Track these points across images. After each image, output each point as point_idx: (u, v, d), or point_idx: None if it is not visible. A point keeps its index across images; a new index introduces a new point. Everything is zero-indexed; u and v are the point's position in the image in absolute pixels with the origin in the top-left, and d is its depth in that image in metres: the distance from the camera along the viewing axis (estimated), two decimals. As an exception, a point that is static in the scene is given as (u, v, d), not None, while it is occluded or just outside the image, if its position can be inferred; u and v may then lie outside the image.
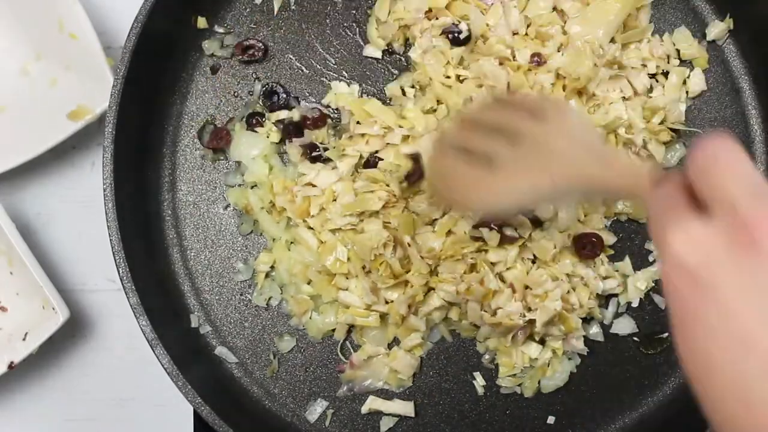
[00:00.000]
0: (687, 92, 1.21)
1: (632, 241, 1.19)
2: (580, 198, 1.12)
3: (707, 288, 0.64)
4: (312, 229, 1.17)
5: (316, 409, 1.18)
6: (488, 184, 0.92)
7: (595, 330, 1.18)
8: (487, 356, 1.18)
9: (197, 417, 1.21)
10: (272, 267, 1.20)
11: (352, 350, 1.19)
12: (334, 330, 1.18)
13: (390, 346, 1.18)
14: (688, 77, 1.21)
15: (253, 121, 1.21)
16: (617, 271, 1.18)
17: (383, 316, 1.16)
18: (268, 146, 1.20)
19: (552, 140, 0.87)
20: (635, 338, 1.18)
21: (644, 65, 1.19)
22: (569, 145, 0.86)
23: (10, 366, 1.18)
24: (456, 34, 1.17)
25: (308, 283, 1.18)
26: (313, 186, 1.17)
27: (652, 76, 1.20)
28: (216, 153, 1.22)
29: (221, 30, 1.23)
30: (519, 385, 1.17)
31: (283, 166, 1.20)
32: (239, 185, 1.21)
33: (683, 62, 1.22)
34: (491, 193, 0.92)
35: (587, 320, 1.17)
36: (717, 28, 1.21)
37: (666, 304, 0.69)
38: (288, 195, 1.17)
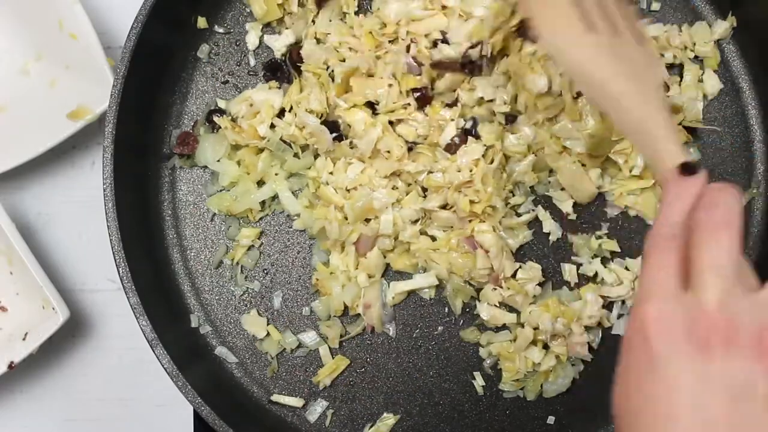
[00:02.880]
0: (705, 95, 1.21)
1: (632, 240, 1.20)
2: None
3: (657, 361, 0.70)
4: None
5: (316, 409, 1.18)
6: (578, 38, 0.92)
7: (595, 330, 1.18)
8: (488, 362, 1.18)
9: (197, 417, 1.21)
10: (250, 247, 1.20)
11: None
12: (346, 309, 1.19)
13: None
14: (701, 78, 1.21)
15: (213, 118, 1.20)
16: (627, 269, 1.18)
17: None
18: (229, 146, 1.20)
19: (642, 66, 0.91)
20: (635, 338, 1.18)
21: (662, 54, 1.19)
22: (653, 86, 0.89)
23: (10, 366, 1.18)
24: None
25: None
26: (251, 105, 1.18)
27: (669, 67, 1.20)
28: (186, 159, 1.21)
29: (221, 30, 1.23)
30: (521, 389, 1.18)
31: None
32: (219, 191, 1.21)
33: (695, 59, 1.22)
34: (575, 47, 0.92)
35: (589, 322, 1.18)
36: (720, 28, 1.20)
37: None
38: (236, 128, 1.18)
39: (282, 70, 1.21)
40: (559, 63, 1.02)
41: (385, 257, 1.19)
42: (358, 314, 1.18)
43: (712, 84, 1.21)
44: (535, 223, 1.20)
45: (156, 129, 1.21)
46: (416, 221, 1.17)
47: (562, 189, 1.18)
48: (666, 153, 0.83)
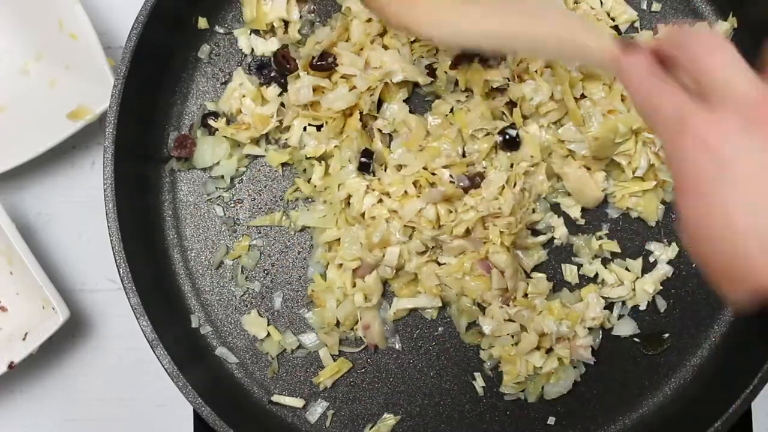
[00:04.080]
0: None
1: (632, 241, 1.20)
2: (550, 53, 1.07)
3: (726, 162, 0.73)
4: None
5: (316, 410, 1.18)
6: (458, 4, 0.94)
7: (596, 332, 1.18)
8: (488, 364, 1.18)
9: (197, 417, 1.21)
10: (251, 248, 1.20)
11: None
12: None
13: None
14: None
15: (209, 121, 1.20)
16: (627, 270, 1.18)
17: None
18: (229, 146, 1.20)
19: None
20: (635, 339, 1.18)
21: None
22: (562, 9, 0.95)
23: (10, 366, 1.18)
24: None
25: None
26: (243, 96, 1.19)
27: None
28: (184, 161, 1.21)
29: (222, 30, 1.23)
30: (522, 391, 1.18)
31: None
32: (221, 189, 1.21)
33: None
34: (459, 15, 0.93)
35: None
36: (721, 29, 1.20)
37: (676, 178, 0.77)
38: (240, 126, 1.19)
39: (269, 67, 1.21)
40: (462, 44, 1.03)
41: (388, 284, 1.19)
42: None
43: None
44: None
45: (156, 129, 1.21)
46: (424, 252, 1.16)
47: (568, 195, 1.19)
48: (598, 43, 0.87)
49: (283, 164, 1.21)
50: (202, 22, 1.21)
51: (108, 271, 1.23)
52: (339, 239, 1.17)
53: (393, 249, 1.14)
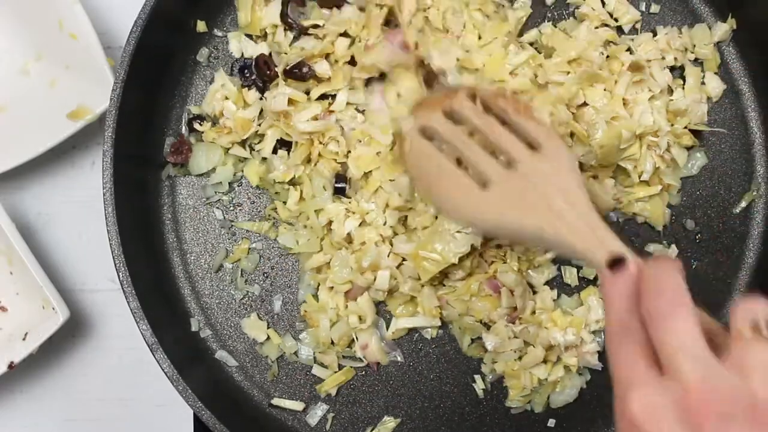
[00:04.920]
0: (709, 97, 1.20)
1: (632, 242, 1.20)
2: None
3: None
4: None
5: (316, 413, 1.18)
6: (476, 200, 0.92)
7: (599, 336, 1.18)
8: (490, 377, 1.18)
9: (197, 417, 1.21)
10: (250, 251, 1.20)
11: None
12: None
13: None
14: (703, 81, 1.20)
15: (195, 126, 1.20)
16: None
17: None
18: (223, 152, 1.19)
19: (545, 183, 0.89)
20: (635, 341, 1.18)
21: (663, 57, 1.19)
22: (560, 198, 0.87)
23: (10, 366, 1.18)
24: None
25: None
26: (226, 99, 1.19)
27: (671, 69, 1.19)
28: (180, 167, 1.21)
29: (220, 34, 1.22)
30: (528, 402, 1.18)
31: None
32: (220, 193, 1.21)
33: (695, 62, 1.21)
34: (476, 209, 0.92)
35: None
36: (720, 30, 1.20)
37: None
38: (223, 130, 1.18)
39: (250, 69, 1.20)
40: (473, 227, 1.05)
41: (384, 303, 1.18)
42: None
43: (714, 86, 1.20)
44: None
45: (156, 133, 1.20)
46: (420, 278, 1.15)
47: None
48: (591, 253, 0.82)
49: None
50: (201, 26, 1.21)
51: (108, 271, 1.23)
52: (327, 262, 1.17)
53: (383, 273, 1.13)
